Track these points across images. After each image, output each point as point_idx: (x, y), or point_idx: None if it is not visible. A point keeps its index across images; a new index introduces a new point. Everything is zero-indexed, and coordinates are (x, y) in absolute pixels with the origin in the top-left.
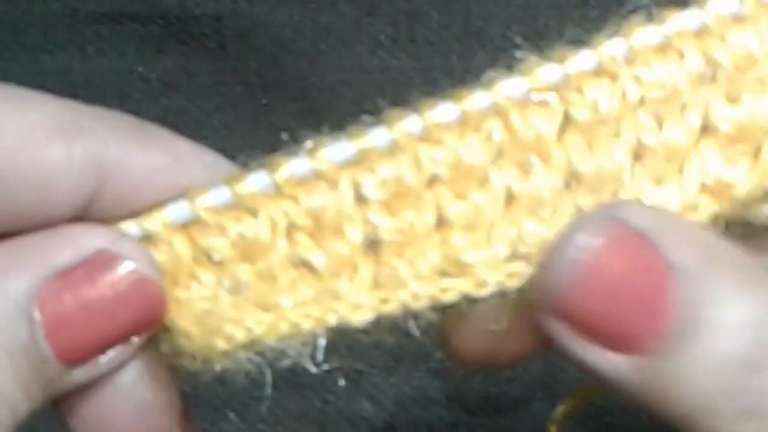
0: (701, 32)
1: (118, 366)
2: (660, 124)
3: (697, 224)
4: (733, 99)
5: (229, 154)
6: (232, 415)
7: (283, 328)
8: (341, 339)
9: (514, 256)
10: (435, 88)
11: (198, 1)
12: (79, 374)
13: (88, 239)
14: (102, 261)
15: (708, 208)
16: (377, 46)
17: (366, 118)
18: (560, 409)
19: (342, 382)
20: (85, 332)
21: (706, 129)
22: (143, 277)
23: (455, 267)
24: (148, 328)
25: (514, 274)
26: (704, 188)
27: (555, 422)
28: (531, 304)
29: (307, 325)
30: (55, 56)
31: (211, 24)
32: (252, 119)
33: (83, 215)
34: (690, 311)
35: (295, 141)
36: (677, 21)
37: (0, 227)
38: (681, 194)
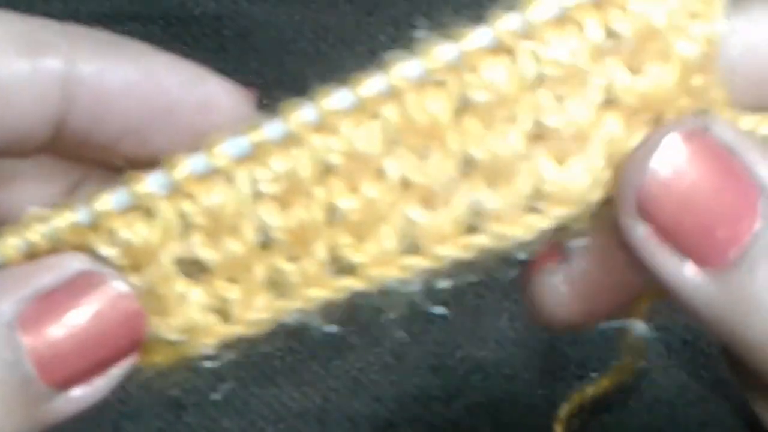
0: (601, 3)
1: (109, 389)
2: (562, 103)
3: None
4: (635, 70)
5: None
6: (233, 413)
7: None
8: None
9: (408, 249)
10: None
11: (198, 1)
12: (70, 401)
13: (70, 262)
14: (84, 282)
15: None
16: (377, 46)
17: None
18: (565, 408)
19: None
20: (70, 352)
21: (610, 102)
22: (125, 296)
23: (345, 266)
24: (134, 345)
25: (407, 268)
26: (610, 162)
27: (560, 420)
28: (613, 211)
29: (198, 341)
30: None
31: (211, 24)
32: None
33: (57, 136)
34: None
35: None
36: None
37: None
38: (588, 172)
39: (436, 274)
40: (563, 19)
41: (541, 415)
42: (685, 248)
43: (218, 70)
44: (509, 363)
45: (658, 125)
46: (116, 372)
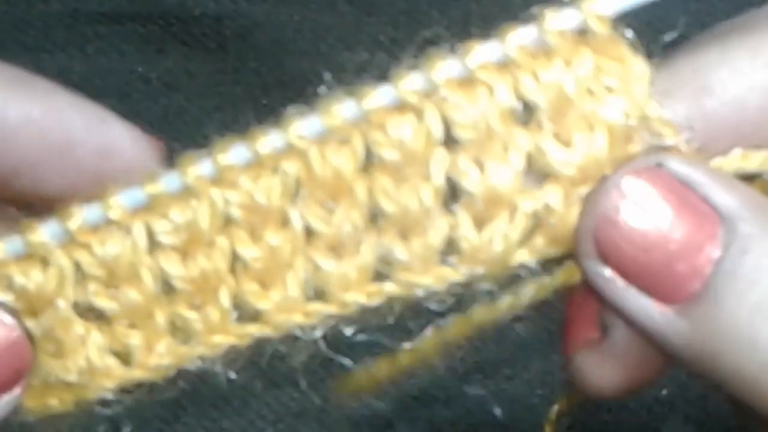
0: (507, 65)
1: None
2: (480, 166)
3: (734, 175)
4: (564, 141)
5: None
6: (232, 413)
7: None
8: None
9: (314, 296)
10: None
11: (198, 1)
12: None
13: None
14: None
15: (542, 249)
16: (377, 46)
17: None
18: (555, 409)
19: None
20: None
21: (536, 170)
22: (7, 327)
23: (250, 312)
24: (17, 375)
25: (312, 314)
26: (541, 229)
27: (550, 421)
28: (573, 253)
29: (96, 384)
30: (55, 56)
31: (211, 24)
32: (252, 119)
33: None
34: (739, 256)
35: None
36: (480, 53)
37: None
38: (503, 238)
39: (342, 319)
40: (471, 80)
41: (541, 415)
42: (648, 286)
43: (218, 70)
44: (509, 363)
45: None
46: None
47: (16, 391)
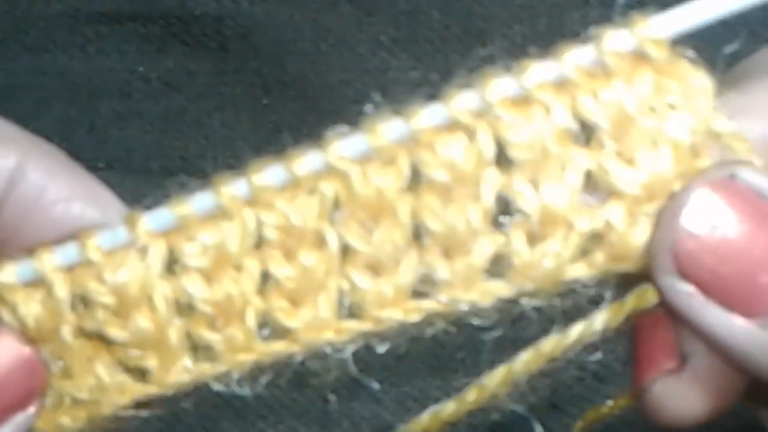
0: (564, 85)
1: None
2: (536, 186)
3: None
4: (627, 160)
5: (230, 154)
6: (233, 414)
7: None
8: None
9: (347, 313)
10: (435, 89)
11: (199, 1)
12: None
13: None
14: None
15: (603, 265)
16: (377, 46)
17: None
18: (579, 425)
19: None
20: None
21: (607, 193)
22: (22, 348)
23: (279, 329)
24: (31, 394)
25: (344, 331)
26: (601, 246)
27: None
28: (648, 270)
29: (110, 400)
30: (55, 56)
31: (211, 24)
32: (252, 119)
33: None
34: None
35: (296, 142)
36: (536, 72)
37: None
38: (558, 254)
39: (375, 337)
40: (526, 99)
41: (541, 416)
42: (730, 300)
43: (218, 70)
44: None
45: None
46: (9, 425)
47: (31, 410)
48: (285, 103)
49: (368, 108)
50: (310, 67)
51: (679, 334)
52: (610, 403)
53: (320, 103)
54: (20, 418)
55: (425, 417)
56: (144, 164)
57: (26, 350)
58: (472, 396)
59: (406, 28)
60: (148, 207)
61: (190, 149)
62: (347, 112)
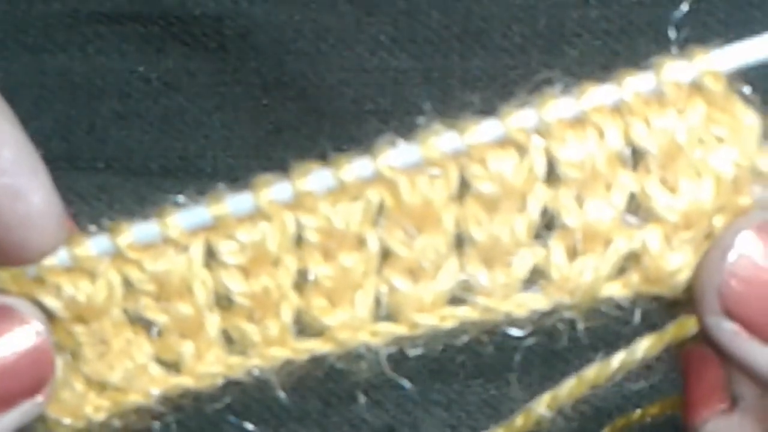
0: (620, 110)
1: (20, 425)
2: (581, 203)
3: None
4: (670, 187)
5: (229, 154)
6: (232, 417)
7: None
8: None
9: (385, 315)
10: (435, 88)
11: (198, 1)
12: None
13: None
14: (4, 316)
15: (637, 286)
16: (377, 46)
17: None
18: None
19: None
20: None
21: (647, 216)
22: (39, 335)
23: (314, 328)
24: (39, 384)
25: (379, 333)
26: (637, 267)
27: None
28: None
29: (144, 389)
30: (55, 56)
31: (211, 24)
32: (252, 119)
33: None
34: None
35: (296, 142)
36: (594, 96)
37: None
38: (596, 269)
39: (408, 341)
40: (581, 120)
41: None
42: None
43: (218, 70)
44: (509, 366)
45: (702, 244)
46: (17, 412)
47: (39, 398)
48: (285, 103)
49: (420, 120)
50: (310, 67)
51: (730, 375)
52: (639, 411)
53: (320, 103)
54: (27, 405)
55: None
56: (144, 164)
57: (39, 340)
58: (519, 421)
59: (406, 28)
60: (181, 205)
61: (190, 149)
62: (347, 112)
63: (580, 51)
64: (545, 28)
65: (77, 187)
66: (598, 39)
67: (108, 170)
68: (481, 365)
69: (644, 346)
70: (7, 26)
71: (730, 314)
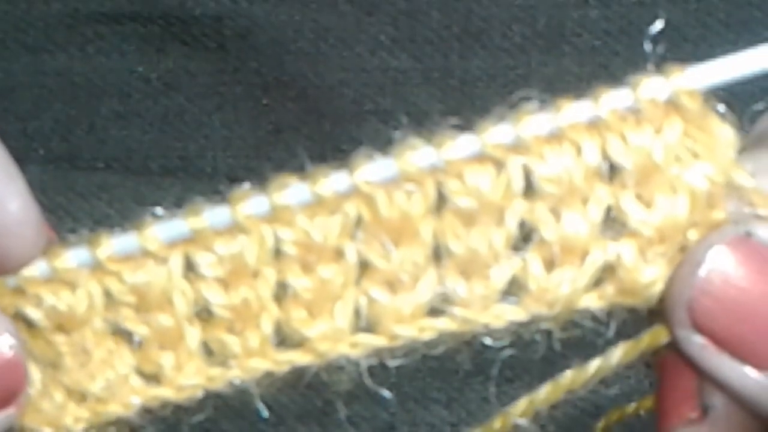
0: (596, 125)
1: None
2: (557, 217)
3: None
4: (645, 202)
5: (229, 154)
6: (233, 415)
7: (100, 417)
8: None
9: (364, 327)
10: (435, 88)
11: (198, 1)
12: None
13: None
14: None
15: (612, 297)
16: (377, 46)
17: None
18: (601, 424)
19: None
20: None
21: (622, 230)
22: (9, 348)
23: (294, 340)
24: (9, 397)
25: (359, 345)
26: (612, 279)
27: None
28: (665, 323)
29: (124, 400)
30: (55, 56)
31: (211, 24)
32: (252, 119)
33: None
34: None
35: (296, 142)
36: (571, 112)
37: None
38: (573, 281)
39: (387, 352)
40: (558, 136)
41: (541, 418)
42: (743, 354)
43: (218, 70)
44: (509, 365)
45: (676, 257)
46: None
47: (10, 410)
48: (284, 103)
49: (397, 133)
50: (310, 67)
51: (702, 385)
52: (633, 404)
53: (320, 103)
54: None
55: None
56: (143, 164)
57: (11, 353)
58: (497, 424)
59: (406, 28)
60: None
61: (190, 149)
62: (347, 111)
63: (580, 51)
64: (545, 28)
65: (77, 186)
66: (598, 39)
67: (108, 170)
68: (480, 364)
69: (619, 354)
70: (7, 26)
71: (699, 328)
